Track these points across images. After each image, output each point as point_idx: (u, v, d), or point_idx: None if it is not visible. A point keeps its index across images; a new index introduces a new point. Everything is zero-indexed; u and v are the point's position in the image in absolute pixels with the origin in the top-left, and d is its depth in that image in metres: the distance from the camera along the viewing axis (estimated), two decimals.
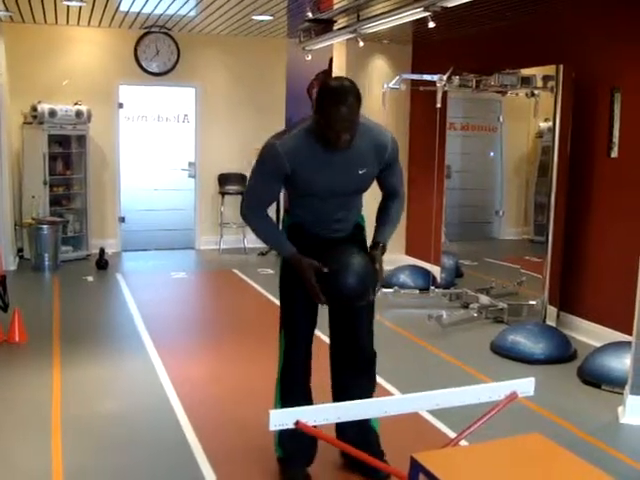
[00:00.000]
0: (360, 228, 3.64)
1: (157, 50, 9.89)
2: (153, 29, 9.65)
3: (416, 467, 2.29)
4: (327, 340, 3.71)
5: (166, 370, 5.23)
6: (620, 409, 4.56)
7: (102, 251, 8.93)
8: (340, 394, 3.60)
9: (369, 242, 3.57)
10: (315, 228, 3.46)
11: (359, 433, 3.61)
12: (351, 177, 3.35)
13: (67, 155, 9.42)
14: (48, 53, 9.39)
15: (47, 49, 9.37)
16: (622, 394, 4.64)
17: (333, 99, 3.13)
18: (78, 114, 9.09)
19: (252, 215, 3.43)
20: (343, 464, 3.76)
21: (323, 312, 3.58)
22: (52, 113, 8.85)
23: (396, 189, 3.60)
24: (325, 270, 3.25)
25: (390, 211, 3.60)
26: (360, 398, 3.20)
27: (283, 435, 3.56)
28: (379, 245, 3.49)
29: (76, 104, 9.17)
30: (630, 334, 4.63)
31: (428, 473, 2.24)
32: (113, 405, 4.61)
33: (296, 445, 3.54)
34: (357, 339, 3.63)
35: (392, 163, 3.48)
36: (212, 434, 4.15)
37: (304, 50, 8.79)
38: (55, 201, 9.24)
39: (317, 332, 3.59)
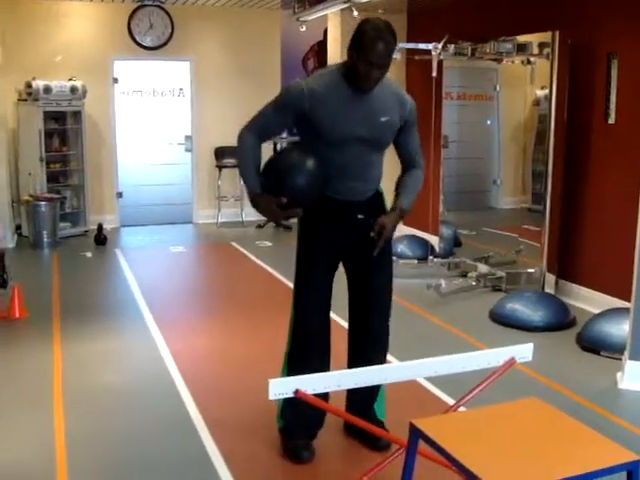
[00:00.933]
0: (380, 196, 3.56)
1: (151, 24, 9.81)
2: (146, 2, 9.58)
3: (415, 433, 2.31)
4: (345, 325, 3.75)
5: (167, 344, 5.25)
6: (619, 375, 4.58)
7: (100, 227, 8.93)
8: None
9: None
10: (331, 187, 3.34)
11: (361, 407, 3.65)
12: (373, 123, 3.32)
13: (63, 131, 9.38)
14: (41, 29, 9.31)
15: (40, 25, 9.29)
16: (621, 360, 4.66)
17: (374, 33, 3.19)
18: (73, 90, 9.04)
19: (247, 136, 3.34)
20: (344, 433, 3.79)
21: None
22: (47, 89, 8.79)
23: (415, 159, 3.56)
24: (284, 200, 3.17)
25: (408, 180, 3.55)
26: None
27: (285, 406, 3.58)
28: (396, 209, 3.44)
29: (71, 80, 9.11)
30: (628, 300, 4.64)
31: (427, 438, 2.25)
32: (114, 378, 4.64)
33: (297, 416, 3.55)
34: (370, 313, 3.63)
35: (410, 123, 3.48)
36: (214, 407, 4.17)
37: (298, 21, 8.71)
38: (52, 178, 9.21)
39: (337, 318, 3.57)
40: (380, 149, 3.46)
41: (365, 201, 3.47)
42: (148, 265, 8.05)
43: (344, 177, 3.34)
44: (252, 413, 4.03)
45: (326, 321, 3.60)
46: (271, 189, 3.24)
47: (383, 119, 3.34)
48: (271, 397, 2.49)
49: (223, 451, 3.63)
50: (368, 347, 3.65)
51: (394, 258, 7.16)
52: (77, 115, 9.27)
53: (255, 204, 3.33)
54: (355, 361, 3.60)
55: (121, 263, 7.95)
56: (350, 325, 3.70)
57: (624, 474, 2.14)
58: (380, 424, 3.64)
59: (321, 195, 3.33)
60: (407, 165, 3.59)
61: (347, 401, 3.71)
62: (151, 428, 3.93)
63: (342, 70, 3.34)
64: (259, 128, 3.36)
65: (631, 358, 4.48)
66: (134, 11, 9.70)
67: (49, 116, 9.06)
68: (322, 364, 3.50)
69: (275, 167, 3.30)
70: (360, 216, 3.47)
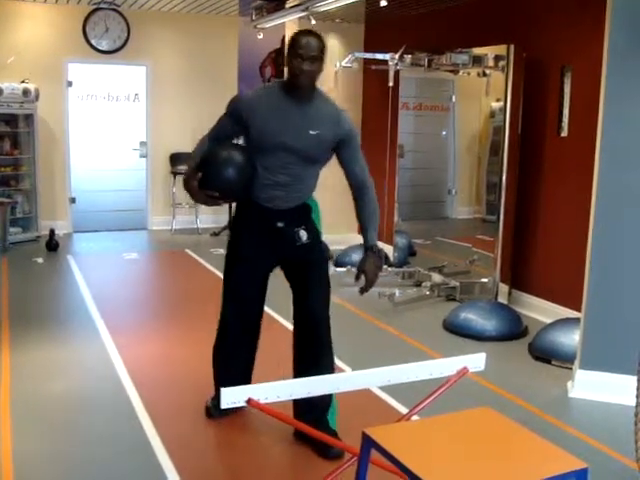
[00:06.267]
0: (307, 207, 3.66)
1: (106, 27, 9.71)
2: (102, 5, 9.46)
3: (368, 442, 2.30)
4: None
5: (119, 351, 5.17)
6: (569, 383, 4.64)
7: (52, 232, 8.79)
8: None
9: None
10: (259, 192, 3.51)
11: (313, 416, 3.63)
12: (301, 134, 3.41)
13: (14, 135, 9.21)
14: None
15: None
16: (571, 369, 4.72)
17: (301, 33, 3.45)
18: (25, 92, 8.89)
19: (201, 139, 3.68)
20: (296, 442, 3.77)
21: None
22: None
23: (363, 179, 3.59)
24: (199, 175, 3.45)
25: (366, 209, 3.61)
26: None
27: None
28: (370, 249, 3.56)
29: (23, 82, 8.97)
30: (579, 310, 4.70)
31: (380, 448, 2.24)
32: (65, 388, 4.54)
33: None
34: (313, 326, 3.67)
35: (348, 143, 3.51)
36: (166, 416, 4.11)
37: (256, 28, 8.71)
38: (3, 182, 9.05)
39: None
40: (309, 163, 3.51)
41: (287, 210, 3.55)
42: (101, 272, 7.93)
43: (269, 185, 3.49)
44: (207, 422, 3.98)
45: (254, 321, 3.82)
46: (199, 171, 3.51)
47: (312, 132, 3.41)
48: (223, 406, 2.47)
49: (177, 465, 3.56)
50: (313, 356, 3.70)
51: (348, 267, 7.24)
52: (29, 118, 9.11)
53: (183, 181, 3.61)
54: (300, 372, 3.63)
55: (73, 270, 7.82)
56: (294, 334, 3.77)
57: None
58: (333, 433, 3.62)
59: (245, 195, 3.52)
60: (356, 185, 3.61)
61: (297, 411, 3.68)
62: (102, 439, 3.85)
63: (281, 83, 3.54)
64: (213, 134, 3.65)
65: (581, 367, 4.54)
66: (89, 14, 9.59)
67: (0, 118, 8.90)
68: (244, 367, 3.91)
69: (206, 154, 3.54)
70: (279, 224, 3.55)
